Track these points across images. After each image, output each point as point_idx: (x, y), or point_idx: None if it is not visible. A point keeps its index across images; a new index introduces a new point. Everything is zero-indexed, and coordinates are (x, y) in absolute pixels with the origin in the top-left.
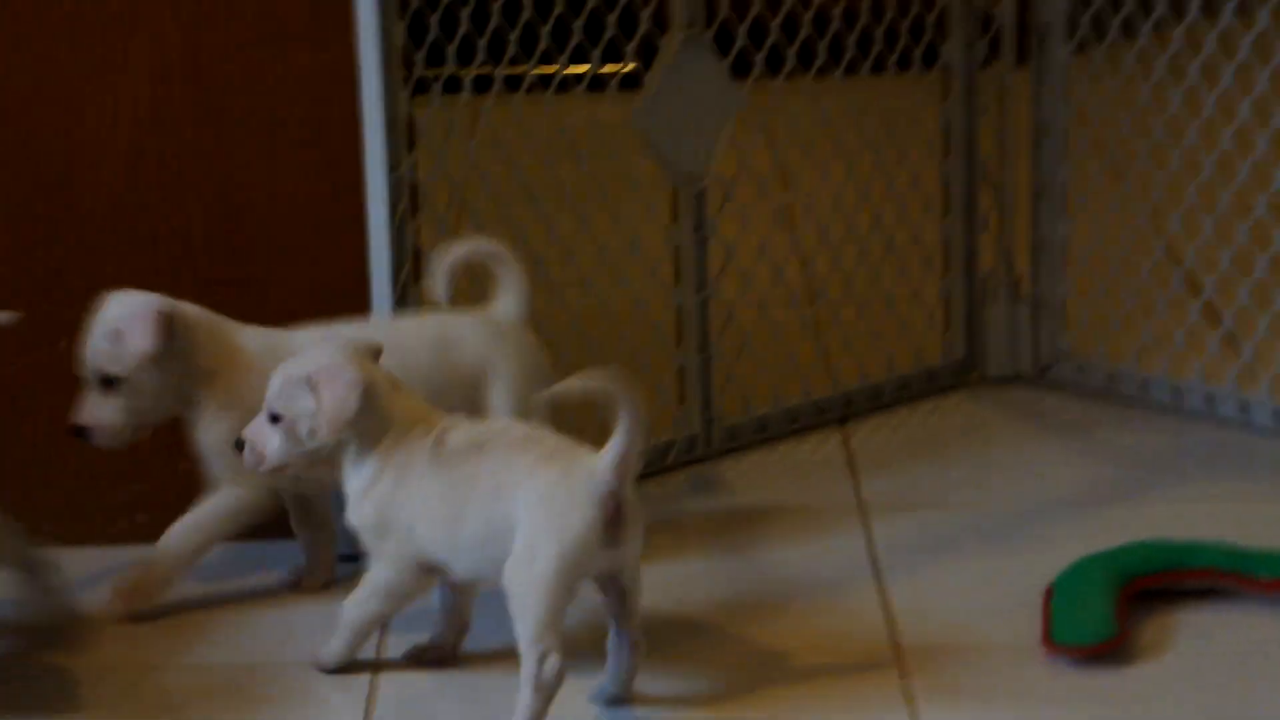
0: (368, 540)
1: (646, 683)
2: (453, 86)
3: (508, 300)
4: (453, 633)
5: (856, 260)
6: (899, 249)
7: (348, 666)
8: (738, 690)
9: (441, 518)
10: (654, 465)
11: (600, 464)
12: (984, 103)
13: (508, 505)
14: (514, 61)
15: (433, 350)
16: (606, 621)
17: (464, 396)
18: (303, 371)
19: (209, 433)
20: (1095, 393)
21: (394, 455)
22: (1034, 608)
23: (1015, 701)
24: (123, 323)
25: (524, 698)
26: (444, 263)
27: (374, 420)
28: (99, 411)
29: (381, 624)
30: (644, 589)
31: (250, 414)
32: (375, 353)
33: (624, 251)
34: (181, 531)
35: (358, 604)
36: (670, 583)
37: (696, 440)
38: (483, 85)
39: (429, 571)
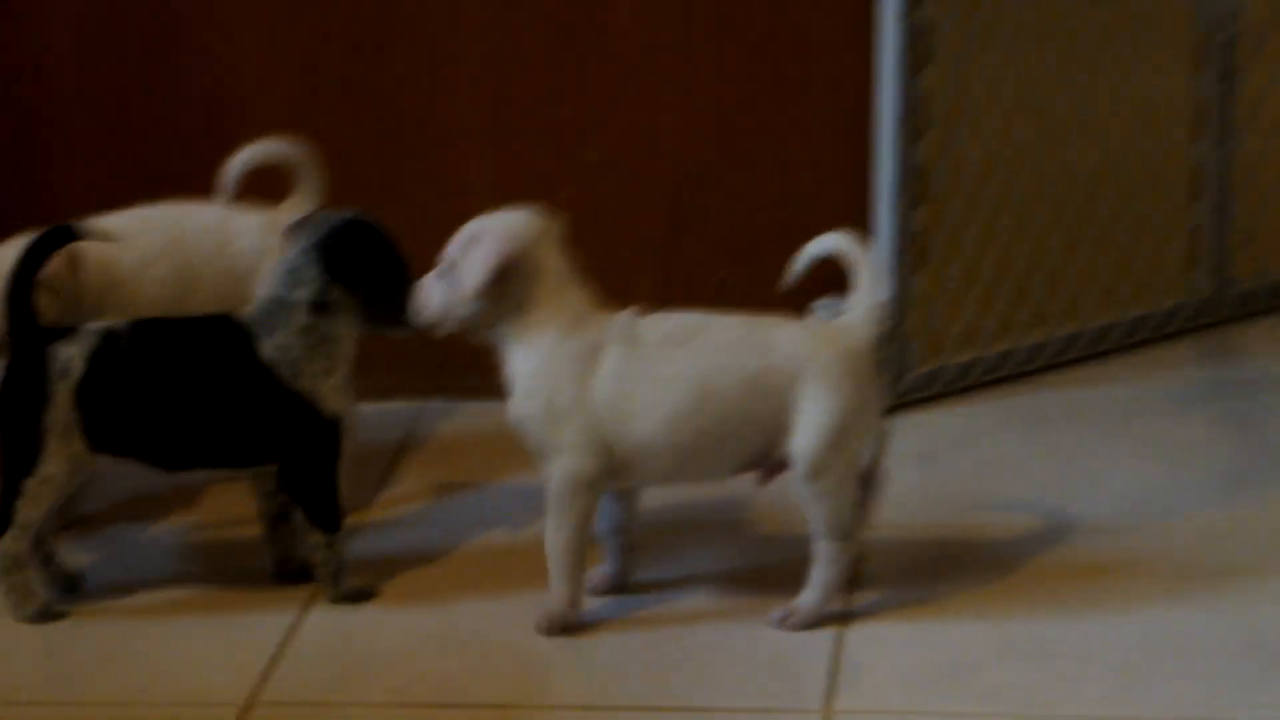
0: (536, 433)
1: None
2: None
3: (299, 200)
4: (625, 556)
5: None
6: None
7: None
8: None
9: (660, 415)
10: (1157, 331)
11: (863, 331)
12: None
13: (783, 394)
14: None
15: (215, 241)
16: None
17: (236, 291)
18: (475, 229)
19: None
20: None
21: (567, 345)
22: None
23: None
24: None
25: (828, 576)
26: (238, 161)
27: (521, 296)
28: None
29: (584, 541)
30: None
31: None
32: (558, 235)
33: (1135, 103)
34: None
35: (555, 530)
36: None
37: (1206, 305)
38: None
39: (609, 473)
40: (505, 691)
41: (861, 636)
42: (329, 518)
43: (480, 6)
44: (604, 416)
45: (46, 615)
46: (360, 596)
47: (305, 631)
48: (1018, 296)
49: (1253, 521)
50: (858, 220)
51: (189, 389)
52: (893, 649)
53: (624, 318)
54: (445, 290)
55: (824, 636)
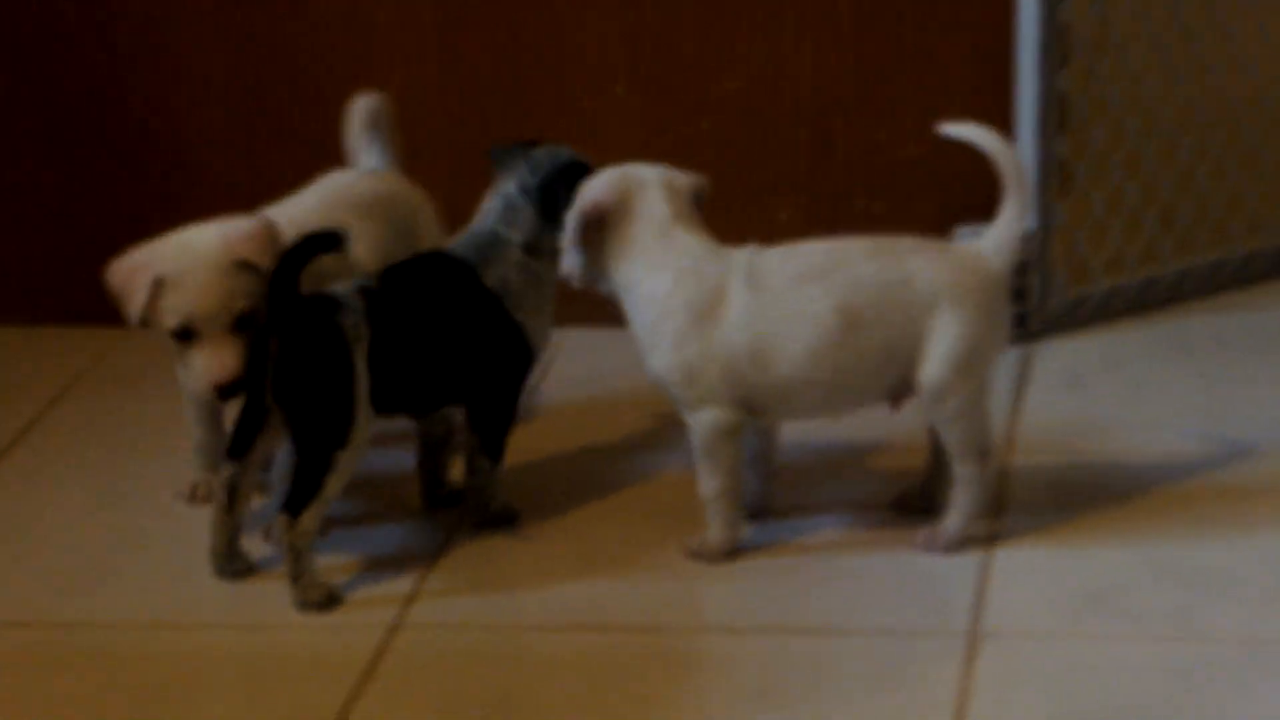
0: (672, 389)
1: None
2: None
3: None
4: (766, 483)
5: None
6: None
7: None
8: None
9: (801, 353)
10: (1269, 273)
11: (999, 258)
12: None
13: (920, 321)
14: None
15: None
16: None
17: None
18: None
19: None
20: None
21: (683, 292)
22: None
23: None
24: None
25: (970, 498)
26: (356, 123)
27: (623, 245)
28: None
29: (738, 482)
30: None
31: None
32: (691, 190)
33: (1252, 36)
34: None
35: (708, 476)
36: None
37: None
38: None
39: (750, 415)
40: (650, 614)
41: (1007, 560)
42: (500, 448)
43: None
44: (740, 362)
45: (333, 600)
46: (507, 520)
47: (453, 555)
48: (1163, 224)
49: None
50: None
51: (443, 329)
52: (1039, 572)
53: (741, 256)
54: (571, 242)
55: (969, 560)
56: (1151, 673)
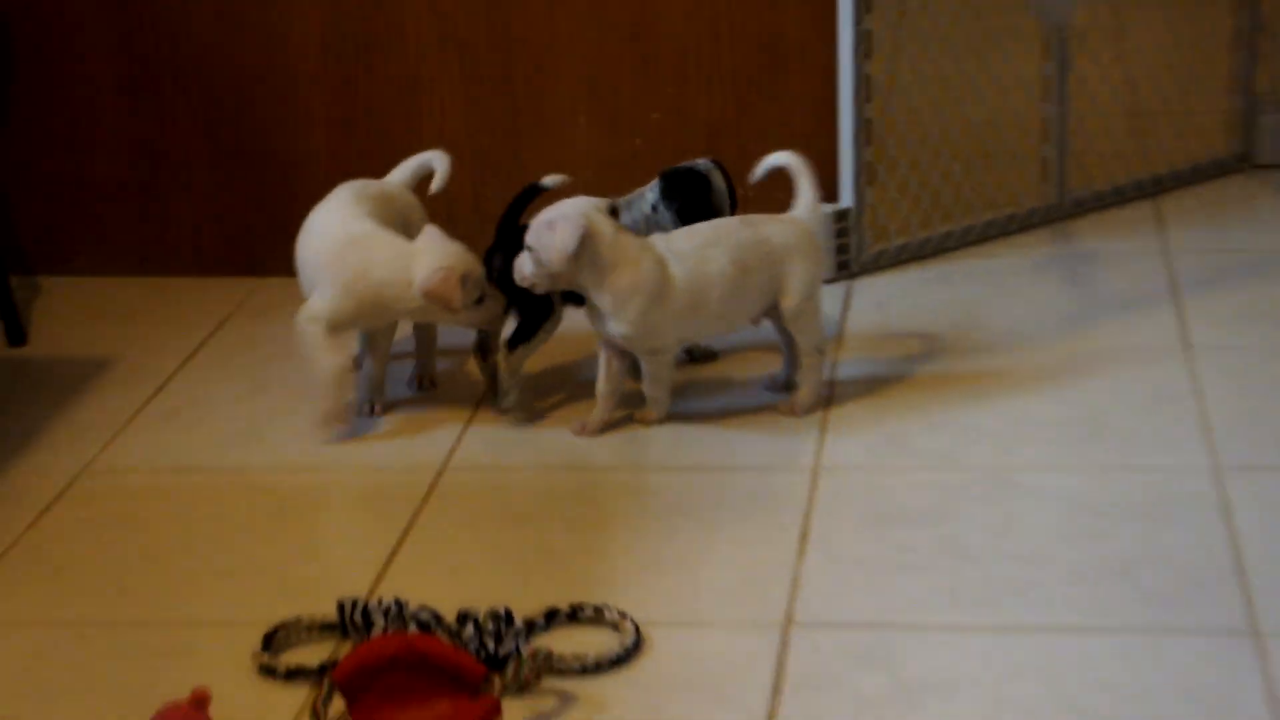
0: (639, 341)
1: None
2: None
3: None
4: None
5: (1169, 84)
6: (1200, 76)
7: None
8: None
9: (711, 305)
10: (1024, 223)
11: (812, 223)
12: None
13: (779, 265)
14: None
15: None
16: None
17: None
18: (548, 217)
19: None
20: None
21: (643, 275)
22: None
23: (1272, 386)
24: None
25: (815, 379)
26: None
27: (592, 256)
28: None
29: (670, 383)
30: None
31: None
32: (610, 209)
33: (1006, 79)
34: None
35: (654, 386)
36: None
37: (1054, 207)
38: None
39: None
40: (608, 458)
41: (838, 418)
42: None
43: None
44: (683, 313)
45: (524, 412)
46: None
47: (479, 426)
48: (933, 203)
49: (1086, 342)
50: (828, 157)
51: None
52: (858, 426)
53: (660, 242)
54: (533, 263)
55: (814, 418)
56: (929, 490)
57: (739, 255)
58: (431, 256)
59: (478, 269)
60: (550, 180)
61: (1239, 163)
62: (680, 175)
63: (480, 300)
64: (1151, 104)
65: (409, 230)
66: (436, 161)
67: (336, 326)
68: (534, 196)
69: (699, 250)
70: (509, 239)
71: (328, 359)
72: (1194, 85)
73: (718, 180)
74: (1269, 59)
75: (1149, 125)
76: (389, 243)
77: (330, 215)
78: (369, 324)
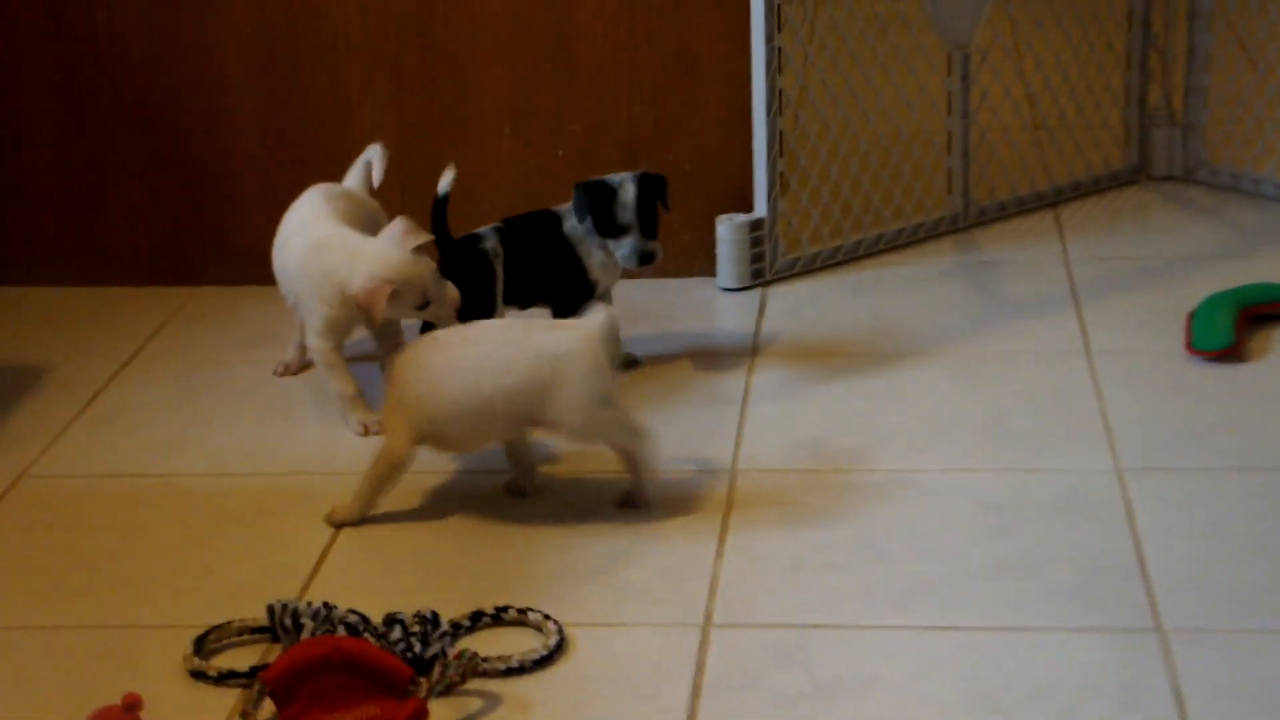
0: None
1: None
2: None
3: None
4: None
5: (1067, 99)
6: (1096, 92)
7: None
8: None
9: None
10: (929, 234)
11: (596, 331)
12: None
13: (547, 379)
14: None
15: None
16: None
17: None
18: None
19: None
20: (1224, 188)
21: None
22: (1179, 324)
23: (1168, 388)
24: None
25: (648, 451)
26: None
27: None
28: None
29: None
30: None
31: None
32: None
33: (912, 93)
34: None
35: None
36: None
37: (959, 216)
38: None
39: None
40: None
41: (753, 419)
42: None
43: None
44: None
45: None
46: None
47: None
48: (843, 212)
49: (991, 346)
50: (743, 168)
51: (540, 254)
52: (772, 427)
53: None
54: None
55: (732, 416)
56: (843, 491)
57: (499, 361)
58: (371, 264)
59: (419, 275)
60: (443, 184)
61: (1134, 174)
62: (588, 189)
63: (424, 306)
64: (1050, 118)
65: (378, 229)
66: (374, 155)
67: (335, 334)
68: (445, 205)
69: (460, 341)
70: (445, 251)
71: (335, 384)
72: (1090, 100)
73: (626, 194)
74: (1160, 75)
75: (1048, 138)
76: (346, 244)
77: (297, 221)
78: (366, 323)
